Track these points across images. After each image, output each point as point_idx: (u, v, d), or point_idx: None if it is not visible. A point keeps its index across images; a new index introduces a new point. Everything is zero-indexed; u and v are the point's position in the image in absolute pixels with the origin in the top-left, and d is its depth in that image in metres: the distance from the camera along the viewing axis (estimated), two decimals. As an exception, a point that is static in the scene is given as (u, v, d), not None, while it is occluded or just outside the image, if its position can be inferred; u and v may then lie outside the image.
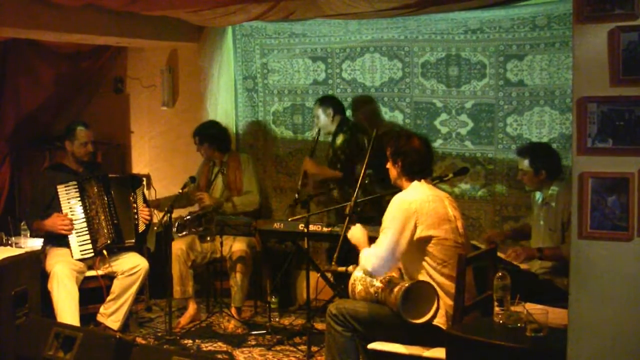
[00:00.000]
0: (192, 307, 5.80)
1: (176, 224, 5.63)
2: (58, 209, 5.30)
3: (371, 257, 3.81)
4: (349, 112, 5.98)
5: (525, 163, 4.75)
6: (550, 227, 4.67)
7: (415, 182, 3.98)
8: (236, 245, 5.63)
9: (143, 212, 5.49)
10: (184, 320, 5.72)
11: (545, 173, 4.70)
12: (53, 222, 5.25)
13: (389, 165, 4.09)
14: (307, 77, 6.28)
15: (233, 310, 5.70)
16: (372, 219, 5.08)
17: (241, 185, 5.95)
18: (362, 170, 4.83)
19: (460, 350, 3.29)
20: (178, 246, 5.65)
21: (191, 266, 5.72)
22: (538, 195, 4.83)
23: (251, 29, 6.40)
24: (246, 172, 6.01)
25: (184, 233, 5.75)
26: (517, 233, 5.09)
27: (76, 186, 5.36)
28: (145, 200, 5.59)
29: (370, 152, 4.78)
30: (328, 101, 5.80)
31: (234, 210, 5.84)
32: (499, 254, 4.63)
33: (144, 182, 5.81)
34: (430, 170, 4.10)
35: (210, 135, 6.01)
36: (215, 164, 6.04)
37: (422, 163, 3.99)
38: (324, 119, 5.74)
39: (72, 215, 5.31)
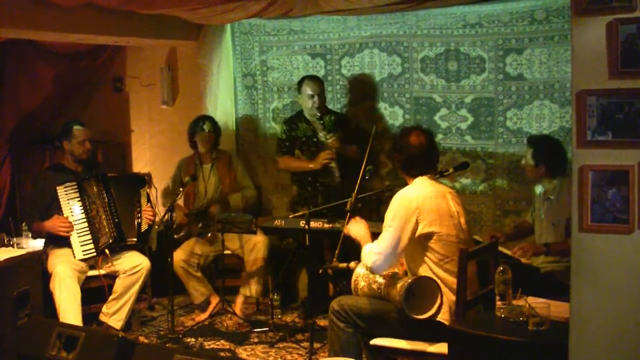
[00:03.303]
0: (214, 301, 5.83)
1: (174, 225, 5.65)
2: (58, 209, 5.30)
3: (372, 254, 3.80)
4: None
5: (529, 153, 4.77)
6: (554, 222, 4.67)
7: (418, 178, 3.97)
8: (256, 238, 5.70)
9: (146, 212, 5.49)
10: (206, 314, 5.79)
11: (543, 168, 4.71)
12: (53, 224, 5.25)
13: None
14: (306, 74, 6.26)
15: (239, 300, 5.72)
16: (372, 215, 5.10)
17: (233, 181, 5.96)
18: (362, 166, 4.83)
19: (462, 345, 3.30)
20: (178, 258, 5.63)
21: (197, 270, 5.75)
22: (539, 190, 4.83)
23: (250, 27, 6.39)
24: (239, 169, 6.05)
25: (181, 234, 5.78)
26: (518, 232, 5.08)
27: (75, 186, 5.35)
28: (149, 200, 5.59)
29: (369, 148, 4.78)
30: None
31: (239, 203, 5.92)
32: (504, 250, 4.64)
33: (152, 183, 5.77)
34: (432, 165, 4.07)
35: (217, 124, 6.08)
36: (202, 161, 6.02)
37: (420, 159, 3.97)
38: (322, 101, 5.69)
39: (72, 215, 5.31)
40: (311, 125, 5.77)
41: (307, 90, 5.69)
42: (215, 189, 6.00)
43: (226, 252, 5.73)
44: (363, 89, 6.06)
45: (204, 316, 5.77)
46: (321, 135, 5.67)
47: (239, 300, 5.76)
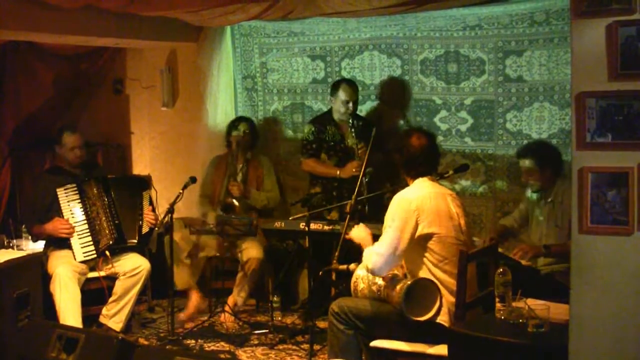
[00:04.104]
0: (194, 297, 5.80)
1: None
2: (58, 211, 5.30)
3: (373, 255, 3.81)
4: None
5: (528, 162, 4.75)
6: (557, 224, 4.67)
7: (418, 180, 3.98)
8: (252, 252, 5.64)
9: (148, 216, 5.49)
10: (186, 313, 5.72)
11: (550, 170, 4.71)
12: (54, 227, 5.26)
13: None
14: (306, 76, 6.27)
15: (231, 301, 5.72)
16: (373, 216, 5.09)
17: (260, 186, 5.95)
18: (362, 168, 4.83)
19: (462, 347, 3.30)
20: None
21: (187, 257, 5.72)
22: (534, 194, 4.83)
23: (250, 29, 6.40)
24: (269, 174, 6.03)
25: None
26: (505, 234, 5.06)
27: (75, 188, 5.36)
28: (150, 203, 5.59)
29: (370, 150, 4.79)
30: None
31: (258, 202, 5.91)
32: (504, 251, 4.64)
33: (152, 185, 5.75)
34: (432, 167, 4.07)
35: (254, 127, 6.08)
36: (233, 160, 6.00)
37: (420, 160, 3.97)
38: (355, 107, 5.66)
39: (72, 217, 5.31)
40: (340, 130, 5.75)
41: (343, 95, 5.62)
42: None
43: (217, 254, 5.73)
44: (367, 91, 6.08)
45: (184, 316, 5.71)
46: (350, 141, 5.66)
47: (231, 300, 5.75)
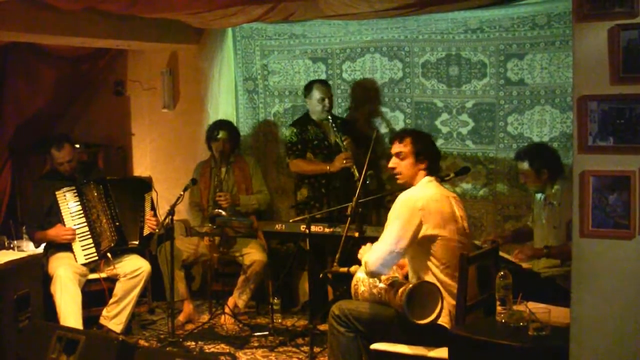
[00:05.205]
0: (186, 308, 5.81)
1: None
2: (58, 215, 5.30)
3: (372, 252, 3.79)
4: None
5: (525, 165, 4.76)
6: (555, 225, 4.67)
7: (425, 179, 3.97)
8: (256, 255, 5.65)
9: (150, 221, 5.47)
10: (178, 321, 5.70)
11: (547, 172, 4.70)
12: (56, 233, 5.27)
13: (395, 163, 4.05)
14: (307, 78, 6.25)
15: (231, 302, 5.71)
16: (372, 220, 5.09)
17: (249, 187, 5.95)
18: (363, 171, 4.82)
19: (462, 350, 3.30)
20: (165, 250, 5.60)
21: (181, 268, 5.72)
22: (539, 196, 4.83)
23: (251, 31, 6.40)
24: (256, 175, 6.03)
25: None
26: (518, 235, 5.07)
27: (75, 191, 5.36)
28: (152, 207, 5.57)
29: (370, 152, 4.78)
30: None
31: (249, 207, 5.90)
32: (504, 254, 4.64)
33: (153, 188, 5.72)
34: (436, 165, 4.11)
35: (234, 130, 6.06)
36: (217, 165, 6.00)
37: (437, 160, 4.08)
38: (331, 104, 5.70)
39: (72, 220, 5.31)
40: (321, 129, 5.78)
41: (317, 94, 5.68)
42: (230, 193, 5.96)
43: (226, 256, 5.72)
44: (364, 94, 6.06)
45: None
46: (332, 138, 5.68)
47: (231, 301, 5.75)
